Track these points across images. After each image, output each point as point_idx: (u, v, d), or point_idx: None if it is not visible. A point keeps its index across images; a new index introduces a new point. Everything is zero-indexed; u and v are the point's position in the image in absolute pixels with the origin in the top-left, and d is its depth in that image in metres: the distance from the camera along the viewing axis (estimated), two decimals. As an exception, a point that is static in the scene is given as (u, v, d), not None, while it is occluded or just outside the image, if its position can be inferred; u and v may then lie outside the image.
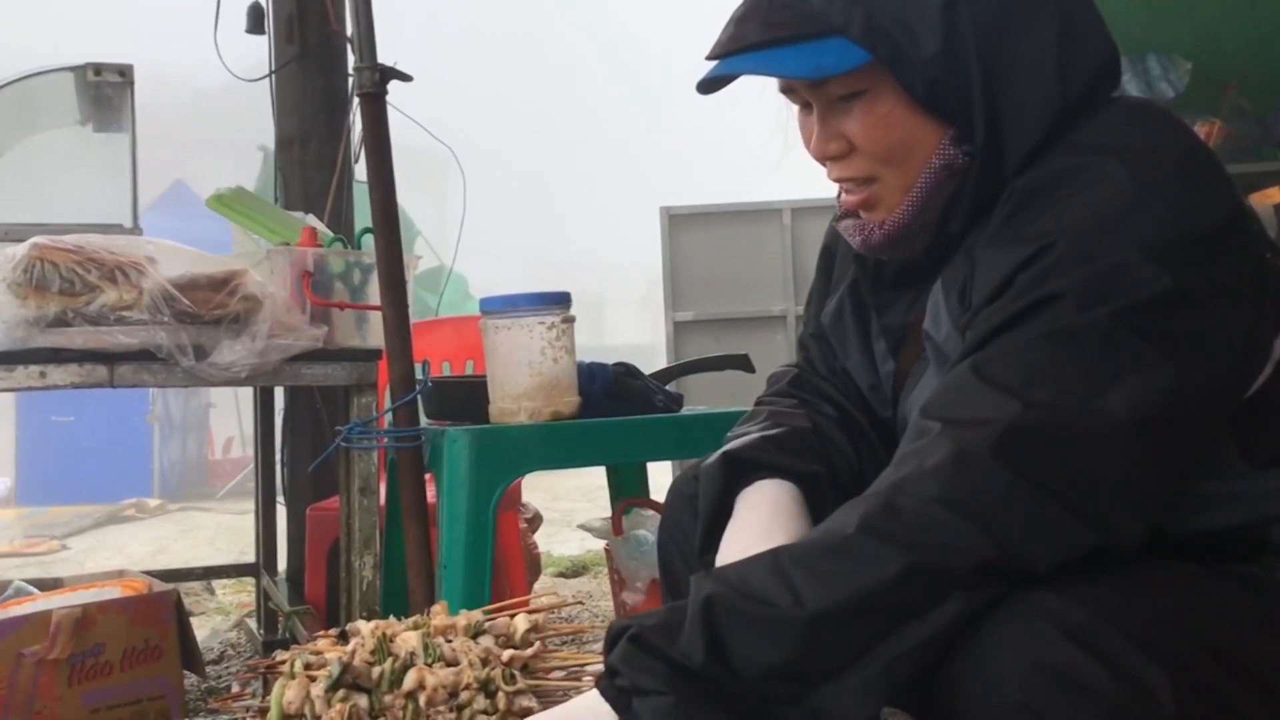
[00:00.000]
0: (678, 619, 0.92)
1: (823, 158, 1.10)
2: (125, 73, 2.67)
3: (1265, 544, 0.97)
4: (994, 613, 0.87)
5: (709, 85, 1.10)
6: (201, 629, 3.29)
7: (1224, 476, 0.98)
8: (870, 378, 1.25)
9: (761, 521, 1.13)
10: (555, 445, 1.90)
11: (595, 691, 0.94)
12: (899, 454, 0.97)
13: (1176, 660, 0.84)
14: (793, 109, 1.13)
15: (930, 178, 1.06)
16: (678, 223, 5.98)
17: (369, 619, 1.42)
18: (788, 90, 1.11)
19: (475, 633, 1.37)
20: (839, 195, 1.15)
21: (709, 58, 1.08)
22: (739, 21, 1.06)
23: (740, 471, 1.20)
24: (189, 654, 2.01)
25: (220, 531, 6.80)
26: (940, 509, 0.89)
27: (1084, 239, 0.93)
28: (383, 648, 1.30)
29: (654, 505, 2.49)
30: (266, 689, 1.28)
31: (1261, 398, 0.97)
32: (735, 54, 1.06)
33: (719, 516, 1.19)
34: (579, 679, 1.41)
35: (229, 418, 10.26)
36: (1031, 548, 0.88)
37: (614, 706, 0.90)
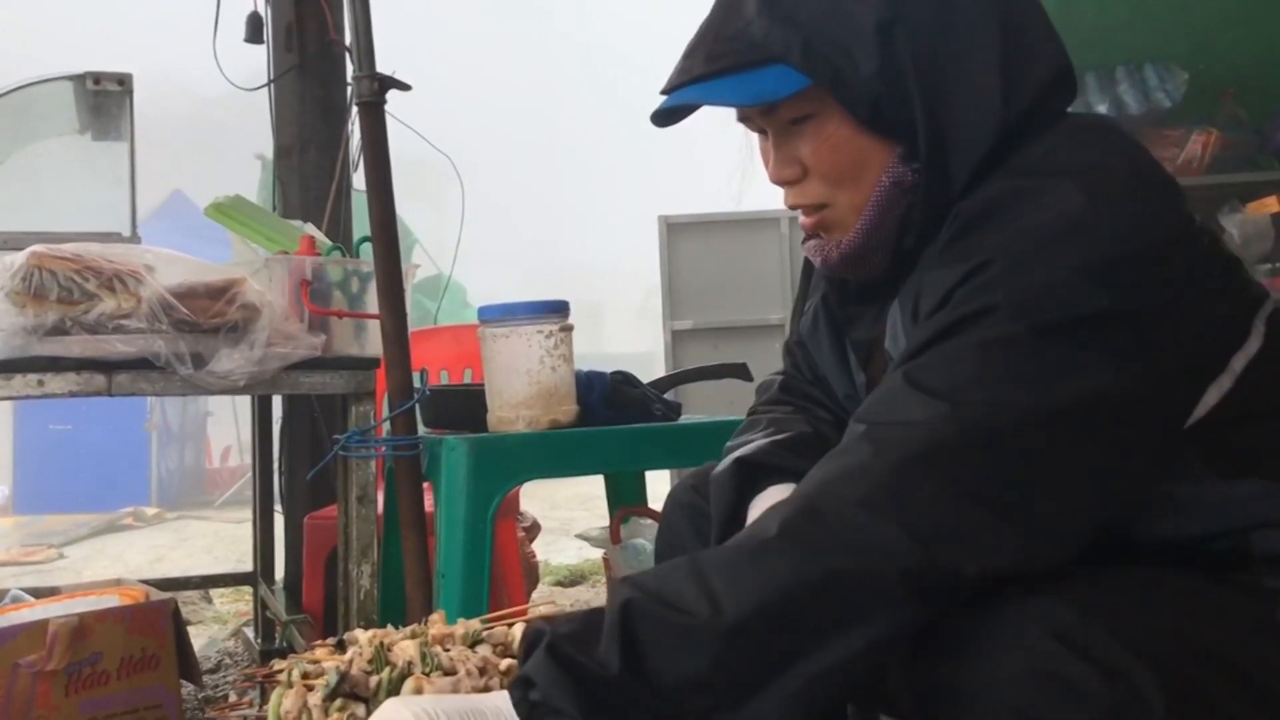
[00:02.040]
0: (595, 626, 0.91)
1: (780, 182, 1.12)
2: (124, 81, 2.67)
3: (1249, 553, 0.97)
4: (984, 616, 0.87)
5: (663, 117, 1.13)
6: (199, 638, 3.28)
7: (1187, 485, 0.97)
8: (846, 386, 1.26)
9: None
10: (553, 454, 1.90)
11: (505, 693, 0.93)
12: (825, 458, 0.97)
13: (1167, 663, 0.84)
14: (753, 138, 1.15)
15: (881, 196, 1.07)
16: (676, 231, 5.98)
17: (366, 628, 1.41)
18: (745, 119, 1.13)
19: (473, 642, 1.36)
20: (801, 221, 1.17)
21: (661, 92, 1.11)
22: (686, 55, 1.09)
23: (753, 477, 1.20)
24: (186, 663, 2.00)
25: (218, 540, 6.80)
26: (863, 512, 0.88)
27: (1022, 256, 0.93)
28: (380, 657, 1.29)
29: (652, 514, 2.48)
30: (264, 698, 1.28)
31: (1224, 410, 0.97)
32: (683, 86, 1.08)
33: (733, 522, 1.19)
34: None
35: (227, 426, 10.25)
36: (956, 552, 0.87)
37: None
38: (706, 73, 1.06)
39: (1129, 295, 0.91)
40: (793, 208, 1.13)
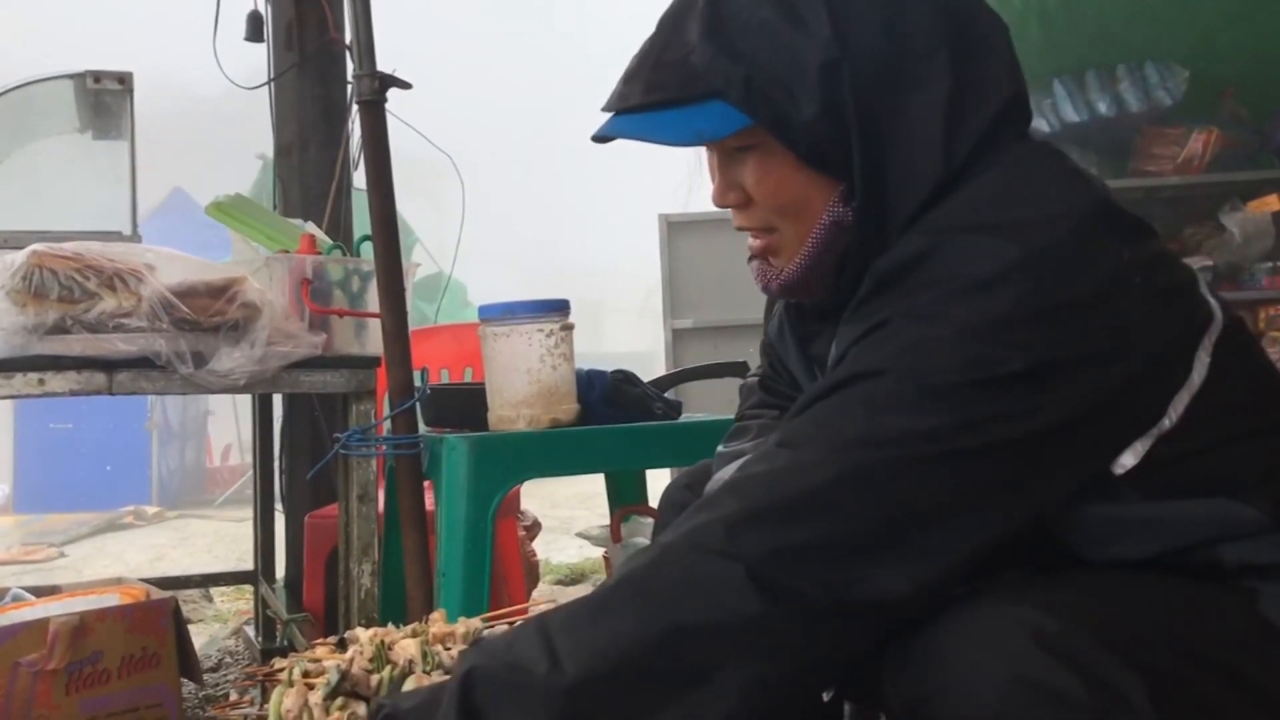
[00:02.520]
0: (437, 698, 0.90)
1: (723, 205, 1.11)
2: (124, 80, 2.67)
3: (1220, 565, 0.96)
4: (968, 625, 0.87)
5: (603, 139, 1.12)
6: (199, 636, 3.28)
7: (1140, 509, 0.96)
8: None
9: None
10: (554, 452, 1.90)
11: None
12: (690, 509, 0.96)
13: (1153, 666, 0.83)
14: (702, 153, 1.13)
15: (821, 233, 1.05)
16: (676, 230, 5.98)
17: (367, 626, 1.41)
18: None
19: (474, 640, 1.36)
20: (749, 242, 1.16)
21: (603, 109, 1.09)
22: (626, 79, 1.06)
23: None
24: (187, 662, 2.00)
25: (218, 539, 6.79)
26: (710, 561, 0.87)
27: (916, 318, 0.92)
28: (381, 655, 1.29)
29: (652, 513, 2.47)
30: (265, 697, 1.28)
31: (1169, 447, 0.95)
32: (622, 114, 1.06)
33: None
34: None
35: (227, 425, 10.24)
36: (804, 588, 0.86)
37: None
38: (644, 103, 1.04)
39: (1019, 356, 0.89)
40: (738, 229, 1.12)
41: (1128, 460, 0.95)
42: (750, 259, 1.16)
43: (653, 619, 0.86)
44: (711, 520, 0.90)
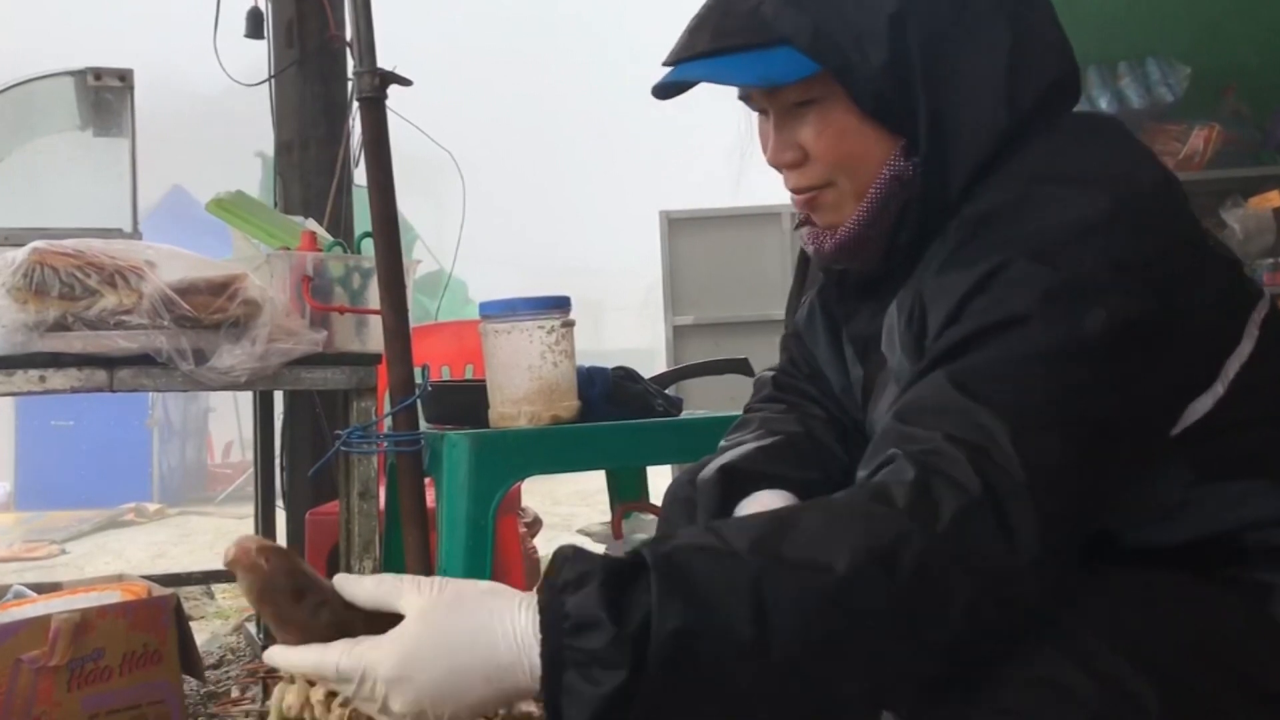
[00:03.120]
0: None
1: (778, 164, 1.10)
2: (125, 77, 2.67)
3: (1244, 551, 0.97)
4: None
5: (664, 91, 1.11)
6: (201, 633, 3.28)
7: (1177, 490, 0.97)
8: (842, 381, 1.26)
9: None
10: (555, 449, 1.90)
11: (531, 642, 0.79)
12: (878, 464, 0.91)
13: (1161, 666, 0.84)
14: (752, 116, 1.13)
15: (880, 189, 1.05)
16: (677, 226, 5.98)
17: (368, 624, 1.41)
18: (745, 97, 1.11)
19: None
20: (795, 202, 1.14)
21: (664, 63, 1.09)
22: (693, 30, 1.07)
23: (738, 483, 1.19)
24: (188, 659, 2.01)
25: (220, 536, 6.79)
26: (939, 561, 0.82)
27: (1041, 261, 0.91)
28: (382, 652, 1.29)
29: (653, 509, 2.48)
30: (266, 694, 1.28)
31: (1217, 416, 0.96)
32: (687, 61, 1.06)
33: None
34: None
35: (228, 422, 10.26)
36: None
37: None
38: (712, 49, 1.04)
39: (1147, 298, 0.90)
40: (792, 190, 1.11)
41: (1189, 419, 0.96)
42: (798, 226, 1.15)
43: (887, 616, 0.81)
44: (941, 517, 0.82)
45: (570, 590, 0.78)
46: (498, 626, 0.80)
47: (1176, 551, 0.98)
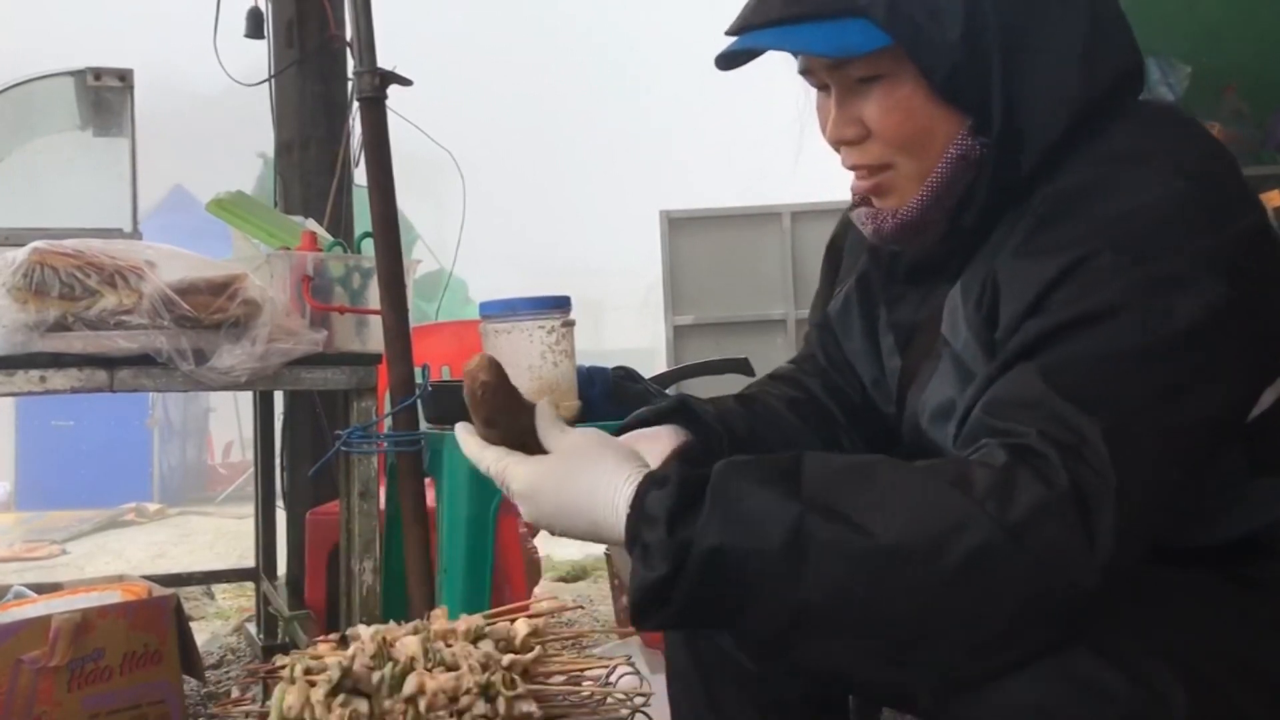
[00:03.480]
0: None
1: (838, 142, 1.07)
2: (125, 77, 2.67)
3: (1275, 548, 0.97)
4: None
5: (729, 60, 1.08)
6: (201, 634, 3.28)
7: (1229, 485, 0.96)
8: (874, 372, 1.23)
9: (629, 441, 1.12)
10: (555, 449, 1.89)
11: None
12: (969, 453, 0.90)
13: (1190, 666, 0.84)
14: (810, 94, 1.10)
15: (946, 168, 1.02)
16: (678, 226, 5.98)
17: (369, 624, 1.41)
18: (806, 71, 1.08)
19: (475, 637, 1.36)
20: (852, 184, 1.12)
21: (728, 33, 1.05)
22: None
23: (671, 410, 1.19)
24: (189, 659, 2.00)
25: (220, 536, 6.80)
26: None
27: (1130, 248, 0.90)
28: (383, 653, 1.29)
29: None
30: (267, 694, 1.28)
31: (1275, 408, 0.96)
32: (757, 29, 1.03)
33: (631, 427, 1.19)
34: (579, 684, 1.41)
35: (229, 422, 10.26)
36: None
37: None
38: (784, 17, 1.01)
39: (1236, 283, 0.89)
40: (850, 168, 1.09)
41: (1255, 410, 0.95)
42: (853, 207, 1.13)
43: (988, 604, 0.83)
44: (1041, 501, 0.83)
45: (656, 485, 0.91)
46: (603, 491, 0.95)
47: (1216, 549, 0.97)
